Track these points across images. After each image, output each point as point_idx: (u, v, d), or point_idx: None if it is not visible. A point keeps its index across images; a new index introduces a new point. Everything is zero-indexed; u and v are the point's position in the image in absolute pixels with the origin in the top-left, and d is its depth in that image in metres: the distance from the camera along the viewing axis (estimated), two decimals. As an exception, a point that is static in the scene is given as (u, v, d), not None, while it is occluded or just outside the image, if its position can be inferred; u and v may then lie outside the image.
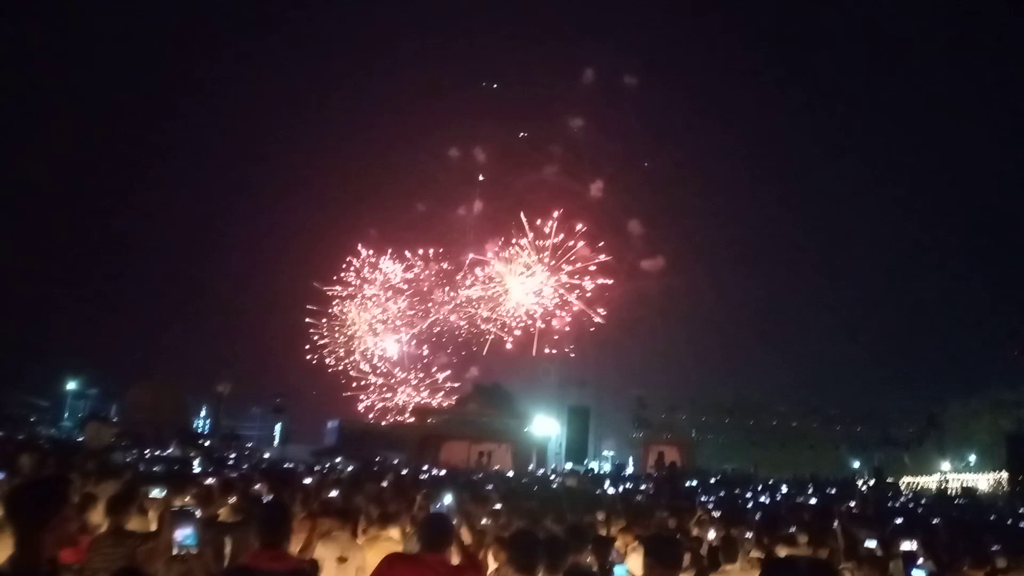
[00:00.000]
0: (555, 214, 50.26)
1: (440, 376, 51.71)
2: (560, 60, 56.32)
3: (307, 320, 51.66)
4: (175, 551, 3.20)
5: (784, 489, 26.60)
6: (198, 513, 3.40)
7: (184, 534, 3.27)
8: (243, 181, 57.08)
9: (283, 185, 56.73)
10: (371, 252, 52.85)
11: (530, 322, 51.11)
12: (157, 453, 26.34)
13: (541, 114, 56.02)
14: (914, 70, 58.26)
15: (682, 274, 51.50)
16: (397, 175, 54.66)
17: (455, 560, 4.77)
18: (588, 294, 51.03)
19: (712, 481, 30.31)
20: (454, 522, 5.07)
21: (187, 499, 7.75)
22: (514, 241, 50.87)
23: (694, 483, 28.06)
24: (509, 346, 50.48)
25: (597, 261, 50.71)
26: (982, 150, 56.39)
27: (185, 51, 53.92)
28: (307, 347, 51.06)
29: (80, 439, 29.60)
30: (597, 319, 50.21)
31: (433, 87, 52.78)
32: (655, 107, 56.27)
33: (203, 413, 51.57)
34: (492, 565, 6.08)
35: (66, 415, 48.40)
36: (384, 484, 13.42)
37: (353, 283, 52.76)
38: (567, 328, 50.60)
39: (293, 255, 53.48)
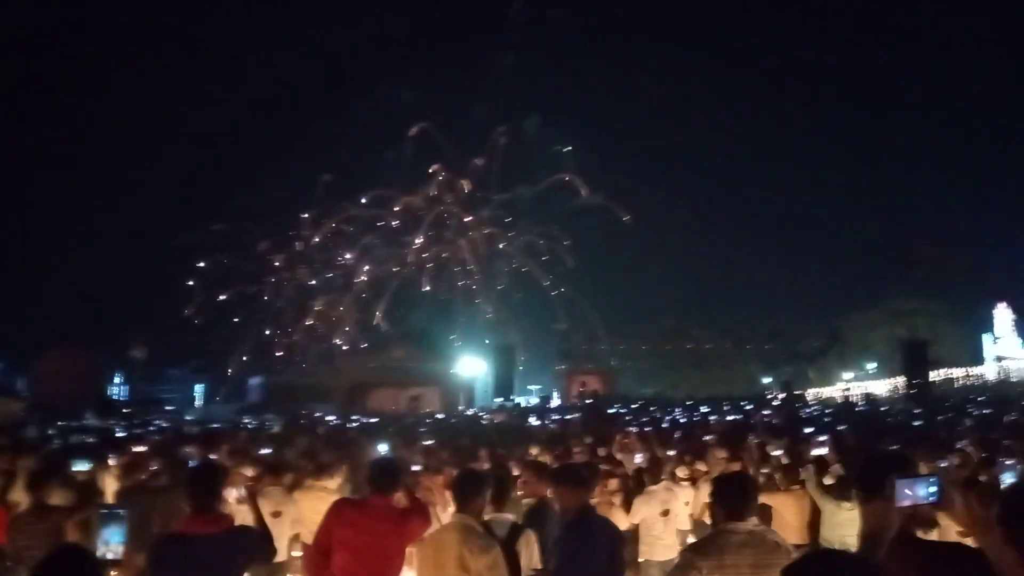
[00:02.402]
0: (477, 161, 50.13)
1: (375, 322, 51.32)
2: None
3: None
4: (100, 554, 3.08)
5: (703, 409, 27.81)
6: (123, 512, 3.27)
7: (111, 536, 3.15)
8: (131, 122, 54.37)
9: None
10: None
11: (456, 264, 51.27)
12: (73, 424, 25.41)
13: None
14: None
15: (596, 206, 52.23)
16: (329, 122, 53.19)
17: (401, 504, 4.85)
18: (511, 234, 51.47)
19: (634, 406, 31.41)
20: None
21: (111, 464, 7.60)
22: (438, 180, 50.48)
23: (619, 409, 29.04)
24: (427, 288, 50.55)
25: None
26: (882, 63, 58.41)
27: None
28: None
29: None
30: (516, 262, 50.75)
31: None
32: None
33: (117, 380, 49.87)
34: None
35: (-31, 392, 45.96)
36: (315, 436, 13.40)
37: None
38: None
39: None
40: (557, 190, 53.04)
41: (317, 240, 52.25)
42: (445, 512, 5.81)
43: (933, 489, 2.44)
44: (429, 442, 10.62)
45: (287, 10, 57.27)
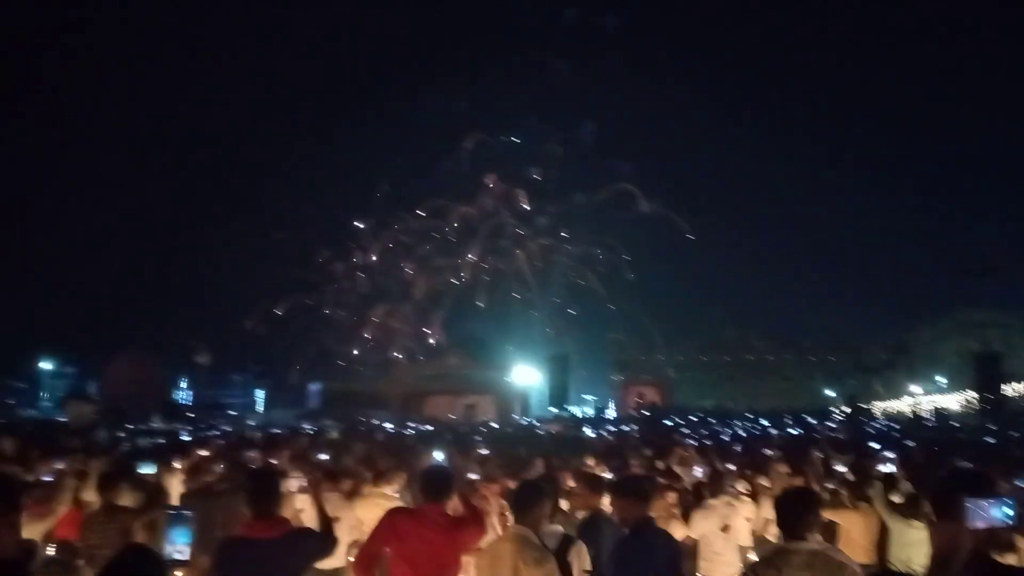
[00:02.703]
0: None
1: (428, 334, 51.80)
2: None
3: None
4: (167, 554, 3.16)
5: (764, 422, 27.23)
6: (190, 514, 3.37)
7: (178, 537, 3.23)
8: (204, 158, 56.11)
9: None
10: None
11: (512, 275, 51.40)
12: (141, 427, 26.26)
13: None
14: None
15: (653, 216, 51.74)
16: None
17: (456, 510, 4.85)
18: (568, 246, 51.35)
19: (693, 419, 30.92)
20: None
21: (177, 467, 7.81)
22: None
23: (677, 421, 28.62)
24: (482, 299, 50.76)
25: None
26: (960, 81, 56.61)
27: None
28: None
29: (61, 419, 29.42)
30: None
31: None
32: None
33: (183, 385, 51.39)
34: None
35: (44, 395, 47.97)
36: (373, 442, 13.56)
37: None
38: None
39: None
40: (614, 200, 52.75)
41: (375, 251, 53.01)
42: (498, 521, 5.81)
43: (1010, 511, 2.32)
44: (484, 451, 10.62)
45: (343, 20, 58.21)
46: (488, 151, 52.54)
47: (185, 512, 3.36)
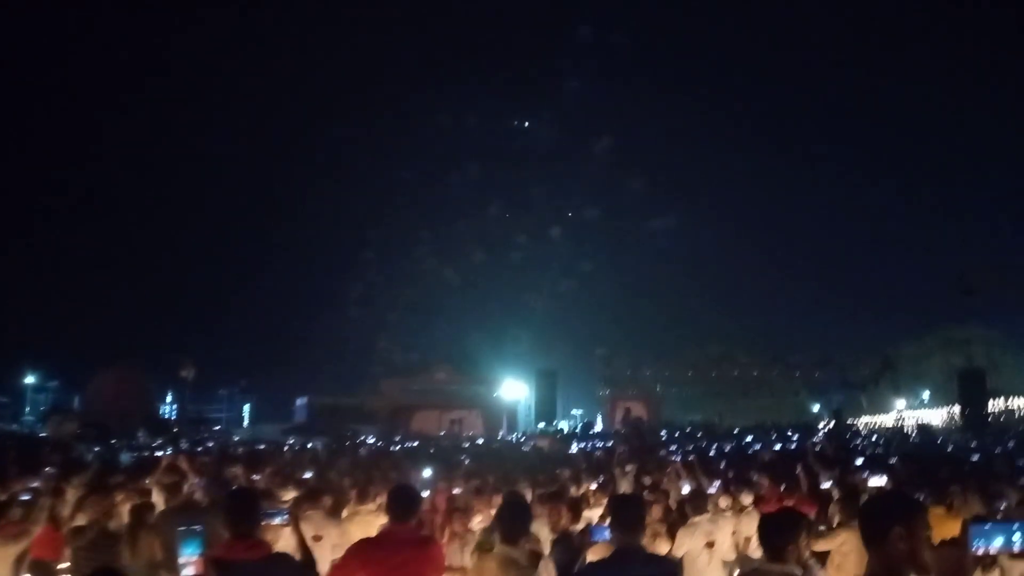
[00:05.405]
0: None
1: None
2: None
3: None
4: (181, 565, 3.22)
5: (749, 438, 27.27)
6: (199, 528, 3.41)
7: (190, 551, 3.28)
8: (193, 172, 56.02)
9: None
10: None
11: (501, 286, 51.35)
12: (126, 442, 26.01)
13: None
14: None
15: (636, 232, 52.02)
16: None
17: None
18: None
19: (679, 434, 30.94)
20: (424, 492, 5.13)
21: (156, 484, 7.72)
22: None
23: (663, 437, 28.63)
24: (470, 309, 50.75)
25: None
26: (938, 96, 57.26)
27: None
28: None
29: (43, 434, 29.09)
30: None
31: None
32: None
33: (168, 399, 50.94)
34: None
35: (27, 409, 47.41)
36: (357, 458, 13.49)
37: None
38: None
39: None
40: (601, 215, 52.96)
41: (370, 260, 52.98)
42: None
43: (1019, 535, 2.22)
44: (468, 466, 10.59)
45: (345, 35, 58.24)
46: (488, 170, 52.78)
47: (195, 528, 3.43)
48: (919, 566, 2.46)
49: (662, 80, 57.41)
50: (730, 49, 59.35)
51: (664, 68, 59.30)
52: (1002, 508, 7.50)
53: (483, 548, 4.90)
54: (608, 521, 4.43)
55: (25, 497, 6.48)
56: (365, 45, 56.29)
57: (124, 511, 6.54)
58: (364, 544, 4.58)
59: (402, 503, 4.56)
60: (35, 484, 7.12)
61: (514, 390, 47.62)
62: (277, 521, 4.67)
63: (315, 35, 57.83)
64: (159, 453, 15.60)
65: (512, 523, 4.32)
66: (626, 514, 4.22)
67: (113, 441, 26.00)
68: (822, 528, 6.84)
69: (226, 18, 53.95)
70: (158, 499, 7.19)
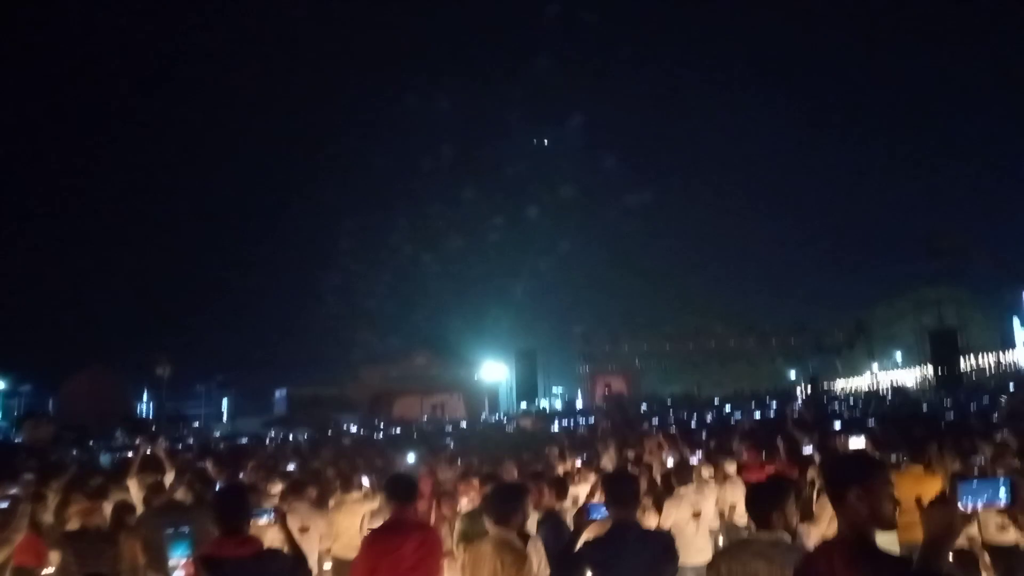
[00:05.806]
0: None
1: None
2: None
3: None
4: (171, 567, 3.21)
5: (728, 407, 27.55)
6: (186, 529, 3.38)
7: (179, 553, 3.27)
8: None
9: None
10: None
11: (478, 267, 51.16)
12: (103, 443, 25.71)
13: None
14: None
15: (610, 208, 52.13)
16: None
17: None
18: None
19: (659, 407, 31.21)
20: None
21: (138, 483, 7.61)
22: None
23: (644, 411, 28.86)
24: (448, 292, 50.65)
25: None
26: (907, 59, 57.71)
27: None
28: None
29: (18, 439, 28.64)
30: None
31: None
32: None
33: (145, 398, 50.32)
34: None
35: (0, 415, 46.59)
36: (340, 448, 13.44)
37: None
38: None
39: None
40: (575, 193, 52.94)
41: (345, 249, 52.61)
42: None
43: (1003, 490, 2.26)
44: (452, 450, 10.60)
45: (326, 26, 57.28)
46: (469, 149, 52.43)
47: (183, 529, 3.41)
48: (881, 522, 2.55)
49: (632, 58, 57.51)
50: (701, 21, 59.44)
51: (635, 45, 59.27)
52: (979, 463, 7.66)
53: (467, 539, 4.97)
54: (602, 498, 4.48)
55: (3, 505, 6.36)
56: (334, 33, 55.62)
57: (107, 512, 6.46)
58: (374, 535, 4.66)
59: (404, 488, 4.68)
60: (14, 491, 6.98)
61: (494, 371, 47.69)
62: (264, 520, 4.65)
63: (283, 26, 57.02)
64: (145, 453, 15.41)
65: (503, 504, 4.36)
66: (620, 490, 4.27)
67: (91, 443, 25.69)
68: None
69: (195, 10, 53.02)
70: (137, 498, 7.08)
